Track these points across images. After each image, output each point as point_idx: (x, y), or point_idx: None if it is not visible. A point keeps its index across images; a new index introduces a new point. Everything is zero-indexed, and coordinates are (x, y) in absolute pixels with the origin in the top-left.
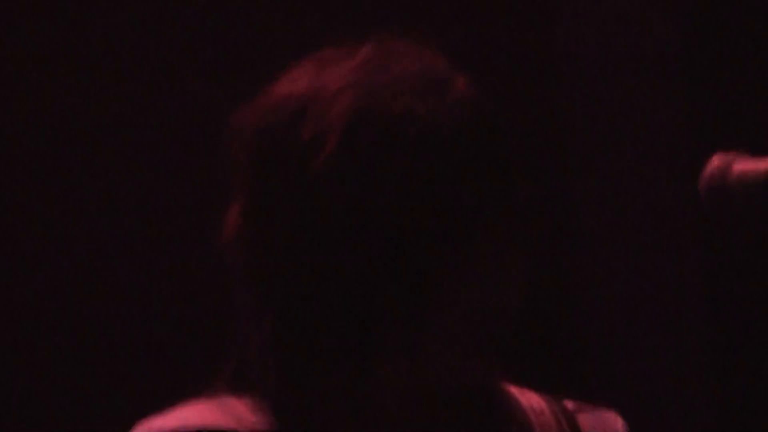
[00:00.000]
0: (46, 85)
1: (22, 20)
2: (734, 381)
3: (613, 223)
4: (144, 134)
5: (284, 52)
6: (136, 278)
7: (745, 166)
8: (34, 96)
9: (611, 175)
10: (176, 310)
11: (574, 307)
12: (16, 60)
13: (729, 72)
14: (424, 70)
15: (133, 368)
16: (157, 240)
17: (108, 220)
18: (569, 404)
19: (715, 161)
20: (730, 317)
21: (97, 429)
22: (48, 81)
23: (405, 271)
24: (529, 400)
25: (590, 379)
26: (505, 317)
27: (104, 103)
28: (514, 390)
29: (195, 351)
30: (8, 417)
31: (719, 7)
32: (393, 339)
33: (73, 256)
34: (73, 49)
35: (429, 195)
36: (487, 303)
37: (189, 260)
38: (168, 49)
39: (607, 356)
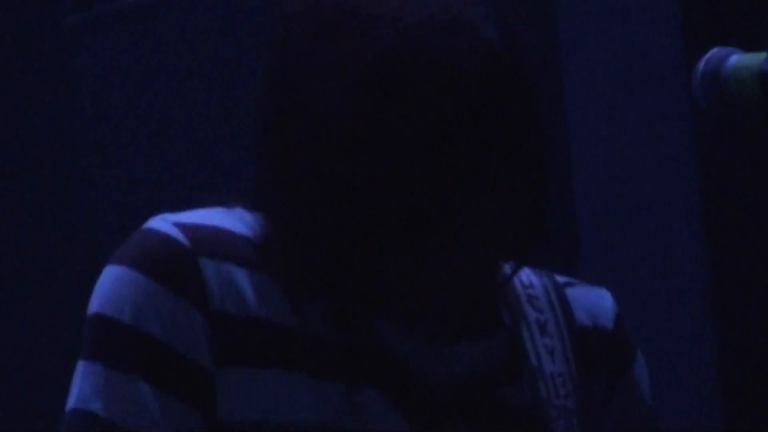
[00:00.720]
0: None
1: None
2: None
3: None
4: None
5: None
6: None
7: (739, 58)
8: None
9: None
10: None
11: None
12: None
13: None
14: (459, 11)
15: None
16: None
17: None
18: (560, 279)
19: (711, 54)
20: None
21: None
22: None
23: (407, 205)
24: (526, 283)
25: None
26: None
27: None
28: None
29: None
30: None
31: None
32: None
33: None
34: None
35: (442, 134)
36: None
37: None
38: None
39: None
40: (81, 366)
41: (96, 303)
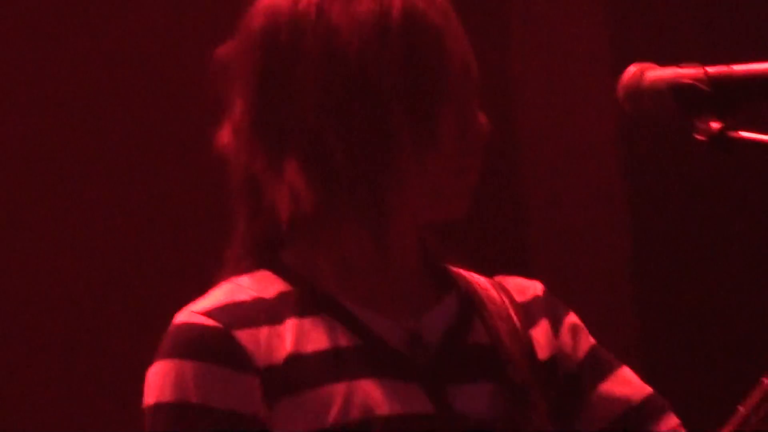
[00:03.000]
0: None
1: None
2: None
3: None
4: None
5: None
6: None
7: (655, 73)
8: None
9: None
10: None
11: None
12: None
13: None
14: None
15: None
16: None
17: None
18: (497, 277)
19: (631, 69)
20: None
21: None
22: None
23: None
24: (471, 274)
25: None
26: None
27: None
28: (459, 269)
29: None
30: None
31: None
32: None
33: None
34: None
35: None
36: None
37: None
38: None
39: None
40: None
41: (151, 395)
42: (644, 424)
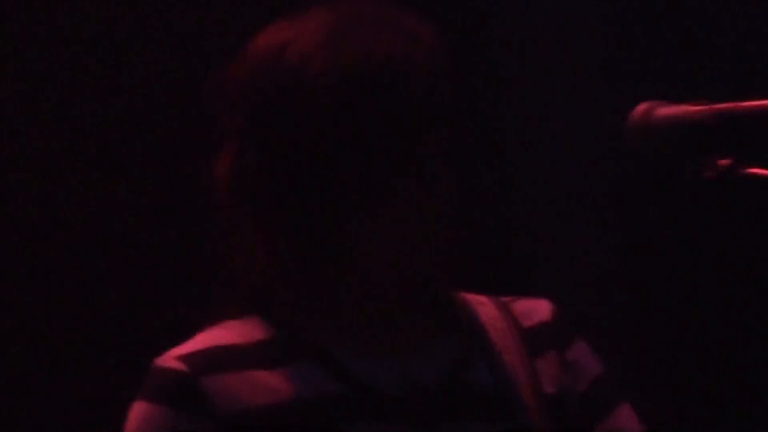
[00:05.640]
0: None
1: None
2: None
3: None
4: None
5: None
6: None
7: (665, 110)
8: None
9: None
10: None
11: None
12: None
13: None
14: (394, 18)
15: None
16: None
17: None
18: (505, 298)
19: (643, 106)
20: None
21: None
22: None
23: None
24: (476, 298)
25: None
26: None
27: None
28: (466, 294)
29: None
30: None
31: None
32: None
33: None
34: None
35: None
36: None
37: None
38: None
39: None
40: None
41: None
42: None
